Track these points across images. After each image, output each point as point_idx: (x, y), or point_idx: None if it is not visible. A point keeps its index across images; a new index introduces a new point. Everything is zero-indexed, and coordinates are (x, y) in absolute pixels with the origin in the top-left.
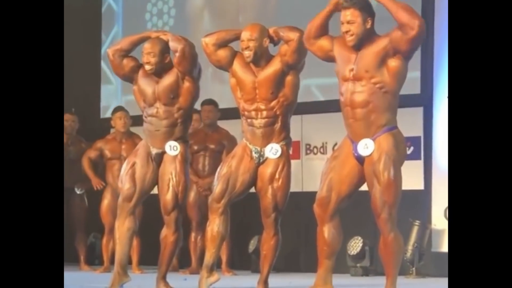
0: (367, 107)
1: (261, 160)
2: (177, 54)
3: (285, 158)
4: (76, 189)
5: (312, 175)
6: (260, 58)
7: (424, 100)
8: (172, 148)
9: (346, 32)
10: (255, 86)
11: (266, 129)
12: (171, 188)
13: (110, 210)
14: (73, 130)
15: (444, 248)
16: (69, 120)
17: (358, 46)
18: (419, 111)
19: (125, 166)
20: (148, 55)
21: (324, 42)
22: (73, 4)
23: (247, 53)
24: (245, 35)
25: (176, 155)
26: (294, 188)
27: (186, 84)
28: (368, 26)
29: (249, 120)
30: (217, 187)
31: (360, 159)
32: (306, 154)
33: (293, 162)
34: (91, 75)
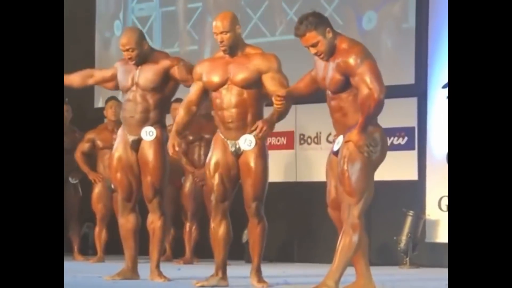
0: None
1: (238, 153)
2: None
3: (259, 148)
4: (70, 179)
5: (306, 165)
6: (235, 48)
7: (418, 90)
8: (148, 133)
9: (315, 54)
10: (227, 77)
11: (238, 123)
12: (149, 174)
13: (101, 199)
14: (66, 120)
15: (438, 238)
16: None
17: (330, 56)
18: (413, 101)
19: (112, 162)
20: (127, 52)
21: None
22: None
23: (222, 48)
24: (217, 27)
25: (153, 141)
26: (288, 178)
27: (172, 76)
28: (330, 35)
29: (219, 113)
30: (216, 186)
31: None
32: (300, 144)
33: (287, 152)
34: (85, 65)
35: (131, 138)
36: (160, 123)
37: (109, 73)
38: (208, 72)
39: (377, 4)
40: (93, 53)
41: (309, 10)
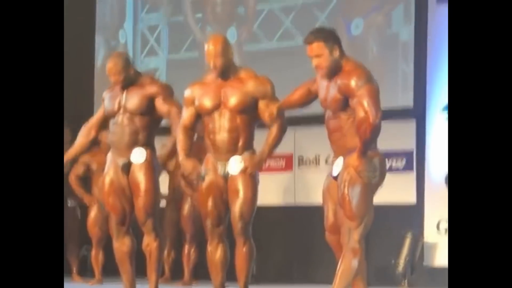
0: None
1: (227, 176)
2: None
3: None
4: (68, 202)
5: (305, 188)
6: (228, 72)
7: (417, 113)
8: (138, 155)
9: (316, 66)
10: (220, 101)
11: (230, 147)
12: (141, 197)
13: (96, 222)
14: (65, 142)
15: (436, 261)
16: None
17: (331, 75)
18: (412, 124)
19: (104, 187)
20: (114, 76)
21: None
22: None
23: (216, 72)
24: (209, 51)
25: (143, 163)
26: (286, 200)
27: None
28: (336, 54)
29: (211, 136)
30: (211, 210)
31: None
32: (299, 166)
33: (286, 174)
34: (84, 88)
35: (121, 161)
36: (149, 145)
37: (102, 111)
38: (200, 96)
39: (364, 12)
40: (93, 63)
41: (304, 18)
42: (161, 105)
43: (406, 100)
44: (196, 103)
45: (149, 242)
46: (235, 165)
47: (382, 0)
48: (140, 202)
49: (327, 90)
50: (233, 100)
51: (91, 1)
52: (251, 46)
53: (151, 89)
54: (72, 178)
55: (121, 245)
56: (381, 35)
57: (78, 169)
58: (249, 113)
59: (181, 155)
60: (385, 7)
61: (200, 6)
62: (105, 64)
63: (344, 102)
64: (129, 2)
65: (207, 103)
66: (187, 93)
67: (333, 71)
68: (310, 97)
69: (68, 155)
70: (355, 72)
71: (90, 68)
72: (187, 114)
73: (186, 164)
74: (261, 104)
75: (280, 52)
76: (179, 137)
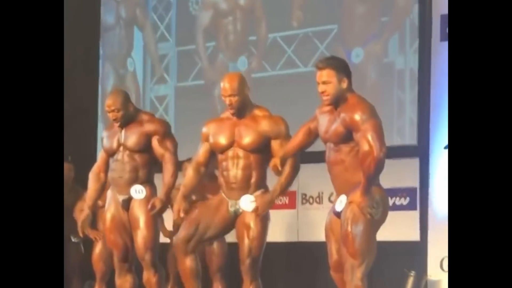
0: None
1: (238, 213)
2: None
3: None
4: (72, 238)
5: (308, 225)
6: (243, 110)
7: (421, 151)
8: (138, 191)
9: (322, 92)
10: (234, 140)
11: (242, 184)
12: (140, 232)
13: (101, 257)
14: (69, 179)
15: None
16: (66, 169)
17: (334, 105)
18: (415, 162)
19: (106, 223)
20: (113, 113)
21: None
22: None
23: (231, 110)
24: (225, 90)
25: (143, 199)
26: (289, 238)
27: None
28: (344, 86)
29: (224, 173)
30: (184, 230)
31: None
32: (302, 203)
33: (289, 211)
34: (88, 124)
35: (121, 197)
36: (149, 182)
37: (104, 154)
38: (215, 134)
39: (364, 41)
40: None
41: (305, 48)
42: (156, 146)
43: (410, 138)
44: (211, 140)
45: (149, 277)
46: (247, 204)
47: (380, 29)
48: (139, 236)
49: (329, 123)
50: (246, 139)
51: (95, 33)
52: (258, 73)
53: (149, 127)
54: (78, 213)
55: (124, 282)
56: (379, 63)
57: (86, 212)
58: (262, 152)
59: (181, 191)
60: (382, 36)
61: (213, 35)
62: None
63: (347, 135)
64: (137, 32)
65: (222, 141)
66: (204, 130)
67: (337, 101)
68: (312, 137)
69: (87, 204)
70: (360, 106)
71: (94, 101)
72: (202, 150)
73: (176, 203)
74: (274, 144)
75: (284, 79)
76: (188, 172)
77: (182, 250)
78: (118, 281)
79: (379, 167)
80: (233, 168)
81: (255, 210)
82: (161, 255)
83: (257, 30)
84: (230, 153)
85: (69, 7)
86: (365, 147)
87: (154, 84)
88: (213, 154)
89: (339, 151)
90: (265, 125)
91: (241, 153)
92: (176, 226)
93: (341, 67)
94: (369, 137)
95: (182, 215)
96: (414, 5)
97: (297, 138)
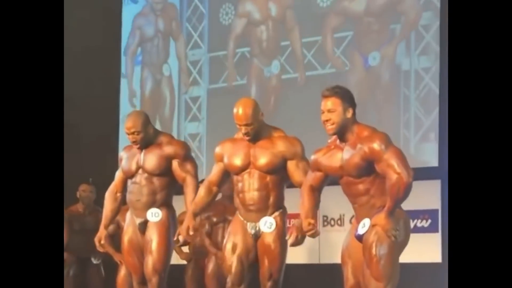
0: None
1: (257, 235)
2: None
3: (279, 229)
4: (92, 259)
5: (329, 247)
6: (258, 135)
7: (442, 173)
8: (154, 214)
9: (327, 121)
10: (249, 161)
11: (260, 205)
12: (150, 254)
13: (126, 281)
14: (90, 200)
15: None
16: (87, 191)
17: (338, 134)
18: (436, 184)
19: (124, 245)
20: (132, 135)
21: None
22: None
23: (247, 138)
24: (239, 119)
25: (158, 222)
26: (311, 260)
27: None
28: (349, 115)
29: (240, 195)
30: (234, 268)
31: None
32: (324, 226)
33: None
34: (109, 145)
35: (138, 220)
36: (166, 205)
37: (122, 174)
38: (230, 155)
39: (379, 45)
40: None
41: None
42: (177, 169)
43: (431, 160)
44: (226, 161)
45: None
46: (267, 223)
47: (391, 35)
48: (150, 259)
49: (342, 158)
50: (262, 160)
51: (116, 54)
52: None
53: (169, 150)
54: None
55: None
56: (391, 66)
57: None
58: (278, 173)
59: (191, 209)
60: (392, 41)
61: (246, 41)
62: (150, 96)
63: (367, 167)
64: (172, 42)
65: (237, 162)
66: (218, 150)
67: (342, 132)
68: (318, 192)
69: (103, 224)
70: (376, 136)
71: (115, 123)
72: (215, 169)
73: (186, 221)
74: (290, 165)
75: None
76: (200, 191)
77: None
78: None
79: (408, 191)
80: (250, 189)
81: (277, 231)
82: (180, 277)
83: (291, 37)
84: (245, 175)
85: (90, 27)
86: (393, 176)
87: (188, 87)
88: (227, 174)
89: (362, 182)
90: (280, 146)
91: (257, 174)
92: (192, 247)
93: (347, 97)
94: (395, 165)
95: (191, 233)
96: (421, 17)
97: (306, 202)
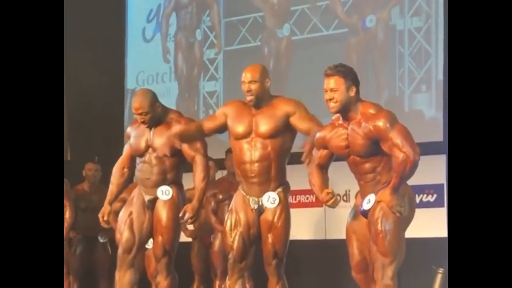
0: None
1: (261, 211)
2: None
3: (283, 205)
4: (99, 238)
5: (335, 223)
6: (262, 100)
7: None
8: (164, 192)
9: (329, 99)
10: (251, 129)
11: (261, 177)
12: (161, 234)
13: None
14: (96, 179)
15: None
16: (92, 169)
17: (342, 113)
18: (442, 158)
19: (122, 216)
20: (140, 116)
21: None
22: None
23: (249, 97)
24: (246, 77)
25: (168, 200)
26: (317, 236)
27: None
28: (352, 94)
29: (242, 166)
30: (236, 244)
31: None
32: None
33: (316, 210)
34: (114, 123)
35: (147, 197)
36: (176, 183)
37: (129, 148)
38: (233, 119)
39: (375, 9)
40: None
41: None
42: (186, 148)
43: (436, 134)
44: (229, 122)
45: (160, 280)
46: (271, 199)
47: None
48: (159, 238)
49: (346, 137)
50: (265, 126)
51: (121, 32)
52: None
53: (177, 129)
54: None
55: (122, 277)
56: (386, 27)
57: (115, 205)
58: (281, 139)
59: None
60: (388, 4)
61: (262, 4)
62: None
63: (373, 146)
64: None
65: (239, 128)
66: (223, 108)
67: (345, 110)
68: (326, 170)
69: (108, 200)
70: (381, 114)
71: (120, 101)
72: (214, 123)
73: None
74: (293, 119)
75: (310, 42)
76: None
77: (237, 272)
78: (117, 274)
79: (414, 169)
80: (251, 160)
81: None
82: (185, 254)
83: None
84: (246, 144)
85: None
86: (399, 154)
87: (206, 49)
88: (223, 127)
89: (369, 161)
90: (282, 106)
91: (259, 143)
92: (197, 223)
93: (350, 75)
94: (400, 143)
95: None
96: None
97: (316, 179)
